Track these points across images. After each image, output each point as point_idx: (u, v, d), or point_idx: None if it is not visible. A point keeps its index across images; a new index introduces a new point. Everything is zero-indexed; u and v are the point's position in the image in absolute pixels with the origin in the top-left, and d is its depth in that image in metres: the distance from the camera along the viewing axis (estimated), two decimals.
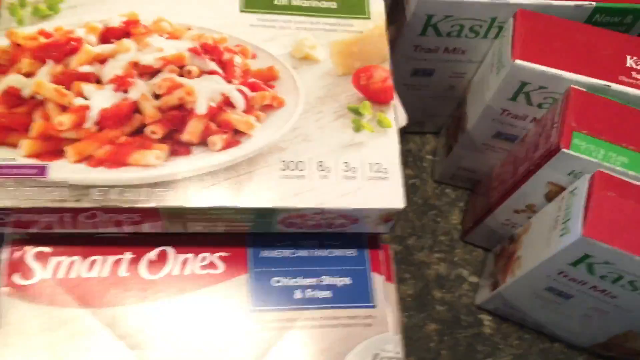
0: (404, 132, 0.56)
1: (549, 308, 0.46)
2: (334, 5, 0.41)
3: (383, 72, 0.39)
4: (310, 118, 0.37)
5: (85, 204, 0.34)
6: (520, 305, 0.47)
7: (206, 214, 0.35)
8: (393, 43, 0.46)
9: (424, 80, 0.50)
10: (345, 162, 0.37)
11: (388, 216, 0.37)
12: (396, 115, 0.39)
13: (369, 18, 0.41)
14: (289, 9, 0.40)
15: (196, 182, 0.35)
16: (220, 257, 0.39)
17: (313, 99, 0.38)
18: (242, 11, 0.40)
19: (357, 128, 0.37)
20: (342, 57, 0.39)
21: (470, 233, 0.53)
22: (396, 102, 0.40)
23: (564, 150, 0.38)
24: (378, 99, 0.38)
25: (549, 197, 0.43)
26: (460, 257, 0.54)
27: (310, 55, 0.38)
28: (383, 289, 0.41)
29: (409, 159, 0.58)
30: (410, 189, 0.56)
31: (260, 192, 0.35)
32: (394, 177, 0.37)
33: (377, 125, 0.38)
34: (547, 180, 0.42)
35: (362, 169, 0.37)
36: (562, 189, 0.42)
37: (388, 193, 0.36)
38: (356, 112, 0.38)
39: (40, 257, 0.37)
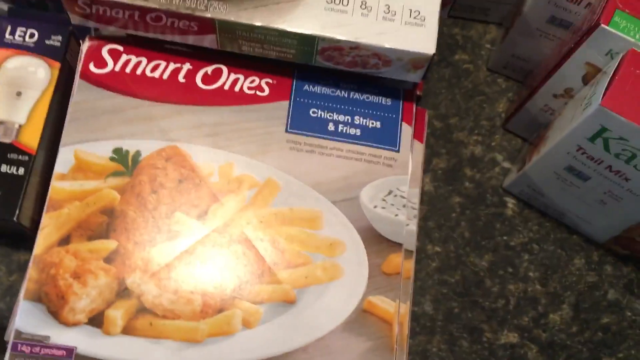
0: (467, 18, 0.57)
1: (568, 192, 0.48)
2: None
3: None
4: None
5: (151, 4, 0.39)
6: (543, 187, 0.50)
7: (254, 33, 0.40)
8: None
9: None
10: (387, 5, 0.40)
11: (418, 62, 0.40)
12: None
13: None
14: None
15: (248, 1, 0.39)
16: (267, 83, 0.44)
17: None
18: None
19: None
20: None
21: (511, 119, 0.55)
22: None
23: (603, 26, 0.39)
24: None
25: (586, 80, 0.44)
26: (497, 143, 0.56)
27: None
28: (409, 140, 0.45)
29: (467, 44, 0.59)
30: (463, 73, 0.58)
31: (305, 19, 0.39)
32: (430, 26, 0.39)
33: None
34: (585, 60, 0.43)
35: (401, 13, 0.40)
36: (599, 71, 0.43)
37: (422, 39, 0.39)
38: None
39: (113, 53, 0.43)
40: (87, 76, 0.42)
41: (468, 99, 0.58)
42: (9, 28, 0.47)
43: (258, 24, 0.39)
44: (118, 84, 0.42)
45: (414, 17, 0.39)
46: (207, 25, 0.39)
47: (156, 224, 0.39)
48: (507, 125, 0.56)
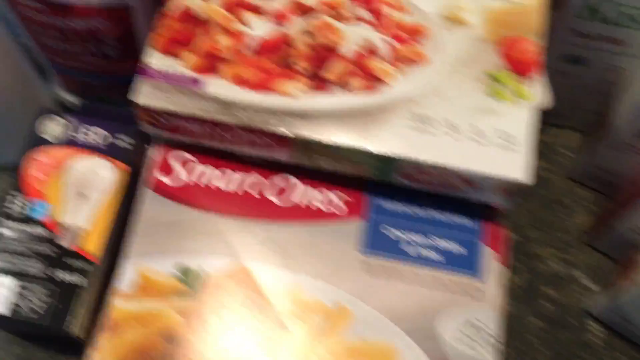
0: (542, 122, 0.55)
1: None
2: None
3: (532, 45, 0.39)
4: (448, 77, 0.38)
5: (228, 119, 0.37)
6: (636, 317, 0.45)
7: (331, 150, 0.38)
8: (551, 24, 0.45)
9: (574, 68, 0.48)
10: (475, 126, 0.37)
11: (508, 189, 0.37)
12: (538, 90, 0.38)
13: None
14: None
15: (328, 118, 0.37)
16: (341, 198, 0.41)
17: (455, 60, 0.38)
18: None
19: (493, 94, 0.38)
20: (494, 24, 0.39)
21: (595, 236, 0.51)
22: (543, 79, 0.40)
23: None
24: (521, 71, 0.38)
25: None
26: (578, 259, 0.52)
27: (461, 18, 0.39)
28: (492, 265, 0.41)
29: (543, 150, 0.56)
30: (539, 181, 0.55)
31: (386, 139, 0.37)
32: (523, 150, 0.37)
33: (515, 95, 0.38)
34: None
35: (490, 135, 0.37)
36: None
37: (513, 165, 0.36)
38: (495, 79, 0.38)
39: (181, 160, 0.41)
40: (153, 185, 0.41)
41: (545, 210, 0.54)
42: (78, 127, 0.46)
43: (336, 142, 0.37)
44: (185, 194, 0.41)
45: (505, 140, 0.37)
46: (281, 141, 0.38)
47: (219, 354, 0.37)
48: (590, 241, 0.52)
